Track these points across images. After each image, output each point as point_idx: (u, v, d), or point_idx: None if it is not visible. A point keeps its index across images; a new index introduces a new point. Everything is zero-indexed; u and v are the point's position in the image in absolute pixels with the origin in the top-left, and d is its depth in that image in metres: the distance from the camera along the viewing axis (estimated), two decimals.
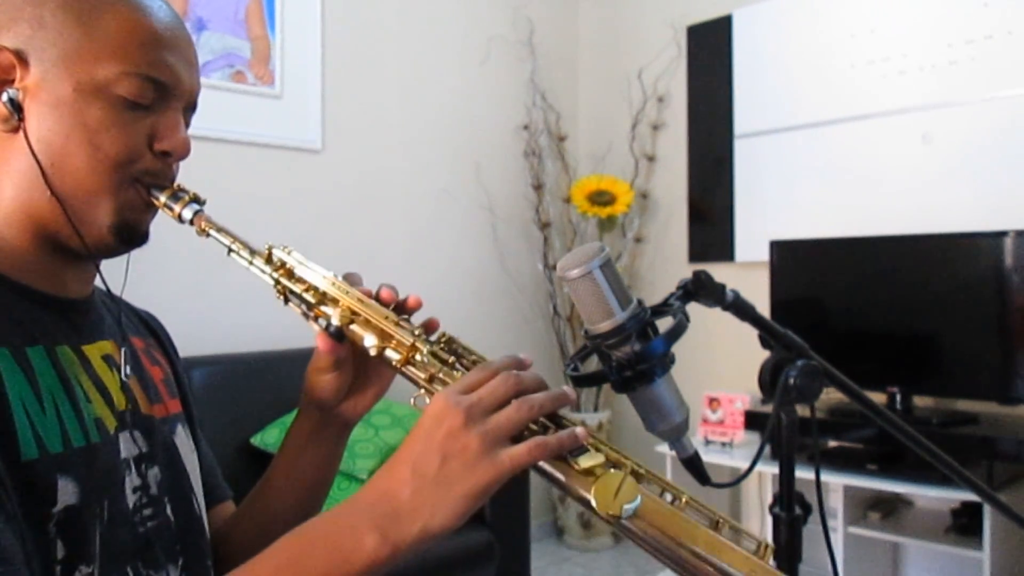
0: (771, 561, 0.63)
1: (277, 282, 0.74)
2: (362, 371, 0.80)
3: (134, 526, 0.70)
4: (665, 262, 3.45)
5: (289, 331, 2.39)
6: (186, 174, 0.75)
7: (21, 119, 0.67)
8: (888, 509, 2.56)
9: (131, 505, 0.70)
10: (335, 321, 0.72)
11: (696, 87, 3.32)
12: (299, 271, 0.74)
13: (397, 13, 3.11)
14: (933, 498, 2.43)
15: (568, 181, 3.53)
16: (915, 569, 2.68)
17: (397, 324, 0.71)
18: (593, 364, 0.74)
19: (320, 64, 2.87)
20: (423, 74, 3.19)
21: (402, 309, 0.74)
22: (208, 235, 0.74)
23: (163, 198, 0.72)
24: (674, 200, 3.40)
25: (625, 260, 3.47)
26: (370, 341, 0.71)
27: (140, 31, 0.69)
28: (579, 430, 0.62)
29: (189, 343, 2.38)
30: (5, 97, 0.67)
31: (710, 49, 3.24)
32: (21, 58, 0.67)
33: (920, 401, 2.57)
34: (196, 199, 0.74)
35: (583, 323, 0.70)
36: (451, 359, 0.69)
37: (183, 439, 0.81)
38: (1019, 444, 2.16)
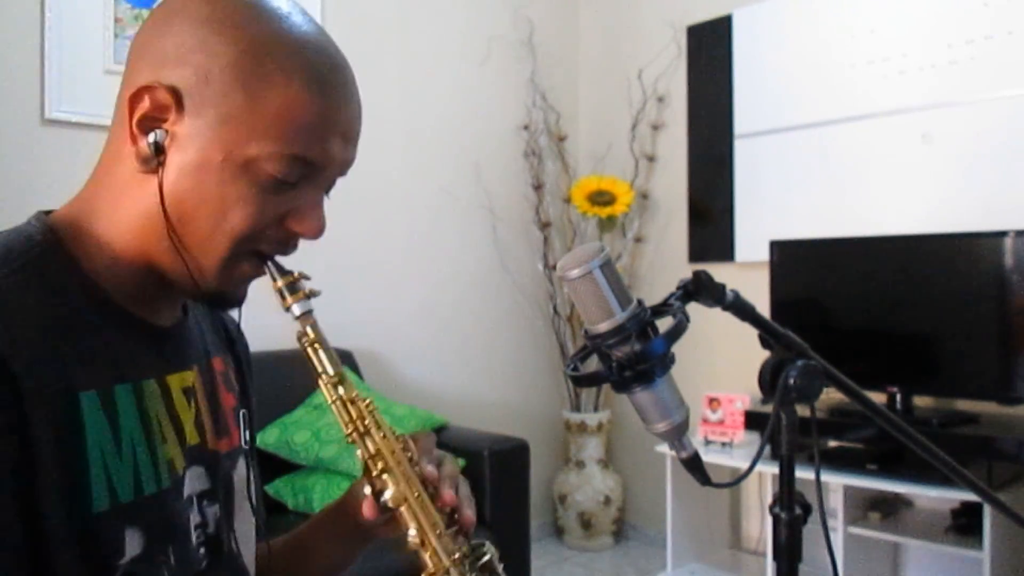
0: None
1: (352, 432, 0.73)
2: None
3: (193, 565, 0.69)
4: (665, 262, 3.45)
5: (289, 331, 2.38)
6: None
7: (161, 164, 0.64)
8: (888, 509, 2.56)
9: (194, 543, 0.70)
10: (387, 499, 0.72)
11: (696, 87, 3.32)
12: (373, 432, 0.73)
13: (397, 13, 3.12)
14: (933, 498, 2.43)
15: (568, 181, 3.53)
16: (915, 569, 2.68)
17: (440, 536, 0.71)
18: (593, 364, 0.74)
19: None
20: (423, 74, 3.19)
21: (453, 520, 0.74)
22: (304, 350, 0.71)
23: (280, 282, 0.69)
24: (674, 200, 3.40)
25: (625, 260, 3.47)
26: (411, 535, 0.71)
27: (305, 113, 0.64)
28: None
29: None
30: (152, 138, 0.64)
31: (710, 49, 3.24)
32: (178, 101, 0.63)
33: (920, 401, 2.57)
34: (311, 294, 0.71)
35: (583, 323, 0.70)
36: None
37: (241, 474, 0.80)
38: (1019, 444, 2.16)
